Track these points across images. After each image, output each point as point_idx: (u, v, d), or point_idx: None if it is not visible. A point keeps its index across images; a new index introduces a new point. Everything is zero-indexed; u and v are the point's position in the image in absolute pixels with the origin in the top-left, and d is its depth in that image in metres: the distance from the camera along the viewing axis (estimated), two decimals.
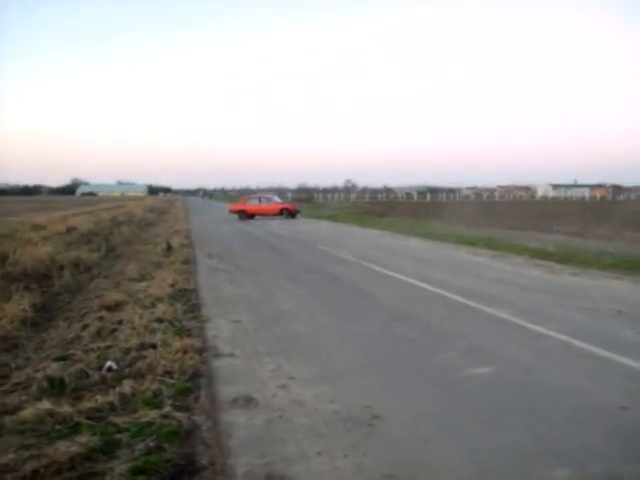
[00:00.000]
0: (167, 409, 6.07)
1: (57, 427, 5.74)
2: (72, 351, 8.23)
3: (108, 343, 8.48)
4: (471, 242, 22.68)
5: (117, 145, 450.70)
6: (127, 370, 7.37)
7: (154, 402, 6.27)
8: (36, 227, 29.38)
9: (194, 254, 19.92)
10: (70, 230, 28.43)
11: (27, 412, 6.01)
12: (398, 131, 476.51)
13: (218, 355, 8.00)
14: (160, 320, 9.73)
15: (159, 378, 7.00)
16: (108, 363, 7.52)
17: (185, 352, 7.86)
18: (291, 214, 43.71)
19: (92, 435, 5.46)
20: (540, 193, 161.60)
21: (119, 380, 6.99)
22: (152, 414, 5.95)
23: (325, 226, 35.87)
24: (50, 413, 6.01)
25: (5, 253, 17.94)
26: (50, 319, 10.95)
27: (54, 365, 7.51)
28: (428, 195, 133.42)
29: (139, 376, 7.14)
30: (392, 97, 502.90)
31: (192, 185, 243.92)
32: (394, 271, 15.06)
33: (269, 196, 49.10)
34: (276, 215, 43.10)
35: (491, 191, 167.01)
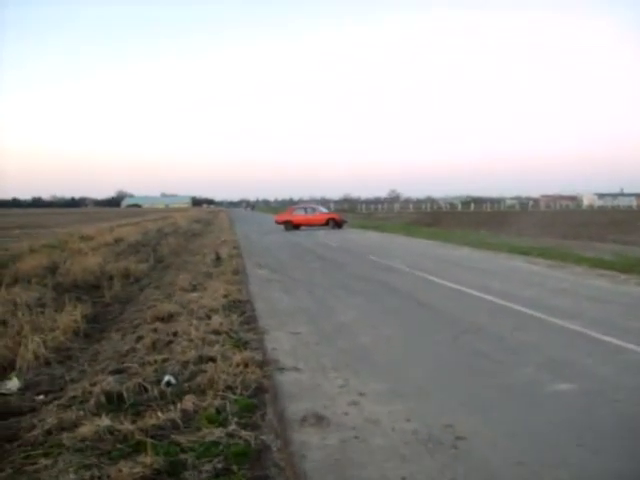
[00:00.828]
0: (232, 427, 5.67)
1: (118, 446, 5.38)
2: (128, 364, 7.91)
3: (164, 356, 8.13)
4: (525, 252, 21.98)
5: (161, 157, 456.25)
6: (187, 385, 7.01)
7: (218, 419, 5.88)
8: (84, 238, 29.47)
9: (243, 264, 19.63)
10: (118, 241, 28.46)
11: (86, 429, 5.67)
12: (441, 141, 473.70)
13: (281, 369, 7.59)
14: (217, 332, 9.38)
15: (221, 393, 6.62)
16: (167, 377, 7.16)
17: (246, 366, 7.47)
18: (337, 224, 43.22)
19: (156, 455, 5.08)
20: (586, 202, 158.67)
21: (179, 395, 6.63)
22: (217, 432, 5.56)
23: (372, 236, 35.37)
24: (110, 430, 5.67)
25: (55, 264, 17.89)
26: (102, 330, 10.71)
27: (110, 379, 7.17)
28: (472, 205, 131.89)
29: (200, 391, 6.77)
30: (435, 107, 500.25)
31: (235, 197, 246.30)
32: (450, 281, 14.53)
33: (314, 206, 48.92)
34: (322, 225, 42.70)
35: (535, 201, 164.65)
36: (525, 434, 5.43)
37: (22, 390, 7.48)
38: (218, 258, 21.05)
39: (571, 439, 5.28)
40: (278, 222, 43.70)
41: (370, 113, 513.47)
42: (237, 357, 7.68)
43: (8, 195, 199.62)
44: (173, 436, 5.54)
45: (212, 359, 7.85)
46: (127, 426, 5.70)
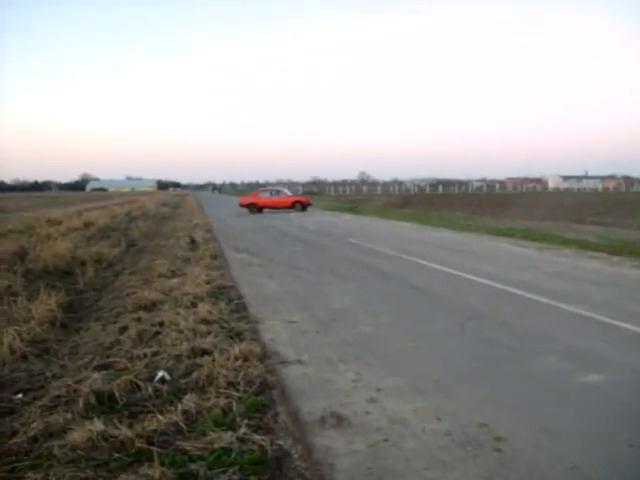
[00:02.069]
0: (243, 430, 5.09)
1: (116, 455, 4.76)
2: (114, 358, 7.26)
3: (154, 349, 7.50)
4: (507, 233, 21.67)
5: (125, 141, 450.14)
6: (183, 381, 6.40)
7: (225, 421, 5.29)
8: (52, 222, 28.49)
9: (221, 248, 18.96)
10: (87, 225, 27.55)
11: (76, 435, 5.04)
12: (407, 125, 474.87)
13: (284, 362, 7.01)
14: (206, 321, 8.77)
15: (223, 391, 6.02)
16: (160, 373, 6.54)
17: (245, 359, 6.86)
18: (303, 207, 42.78)
19: (160, 466, 4.47)
20: (551, 184, 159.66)
21: (177, 394, 6.03)
22: (226, 437, 4.97)
23: (348, 219, 34.81)
24: (104, 436, 5.05)
25: (24, 249, 17.03)
26: (79, 320, 10.02)
27: (96, 375, 6.53)
28: (440, 187, 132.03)
29: (199, 389, 6.17)
30: (401, 90, 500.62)
31: (201, 180, 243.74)
32: (440, 264, 14.06)
33: (280, 189, 48.43)
34: (288, 208, 42.18)
35: (502, 183, 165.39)
36: (568, 432, 4.94)
37: None
38: (193, 242, 20.37)
39: (620, 438, 4.79)
40: (242, 205, 43.08)
41: (339, 95, 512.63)
42: (234, 349, 7.06)
43: None
44: (178, 442, 4.94)
45: (207, 352, 7.26)
46: (124, 431, 5.08)
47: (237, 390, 6.04)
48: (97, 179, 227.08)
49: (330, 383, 6.26)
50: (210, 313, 9.13)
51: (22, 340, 8.18)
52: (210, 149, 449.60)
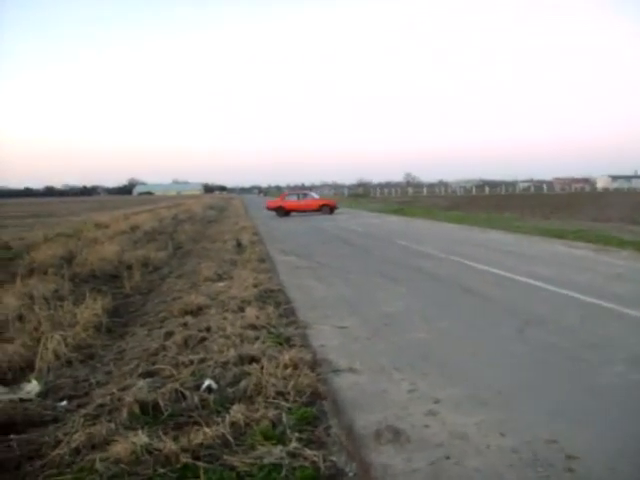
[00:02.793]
0: (294, 445, 4.79)
1: (160, 470, 4.51)
2: (159, 365, 7.02)
3: (200, 355, 7.24)
4: (559, 235, 21.02)
5: (172, 145, 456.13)
6: (230, 390, 6.11)
7: (275, 435, 4.99)
8: (99, 226, 28.64)
9: (267, 251, 18.71)
10: (134, 229, 27.62)
11: (120, 447, 4.79)
12: (452, 126, 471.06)
13: (336, 371, 6.68)
14: (254, 327, 8.49)
15: (272, 401, 5.73)
16: (207, 382, 6.27)
17: (295, 367, 6.56)
18: (331, 210, 42.33)
19: None
20: (600, 184, 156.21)
21: (223, 404, 5.75)
22: (276, 452, 4.67)
23: (395, 220, 34.34)
24: (148, 449, 4.79)
25: (72, 253, 17.04)
26: (125, 325, 9.86)
27: (141, 383, 6.30)
28: (487, 189, 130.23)
29: (247, 399, 5.88)
30: (446, 91, 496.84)
31: (246, 183, 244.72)
32: (493, 267, 13.58)
33: (307, 192, 48.32)
34: (315, 211, 41.73)
35: (549, 183, 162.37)
36: None
37: (42, 395, 6.61)
38: (239, 245, 20.22)
39: None
40: (270, 208, 42.79)
41: (384, 98, 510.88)
42: (284, 357, 6.77)
43: (21, 184, 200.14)
44: (225, 457, 4.66)
45: (254, 359, 6.98)
46: (168, 444, 4.81)
47: (287, 400, 5.75)
48: (144, 183, 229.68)
49: (385, 393, 5.91)
50: (258, 318, 8.85)
51: (67, 345, 8.04)
52: (256, 153, 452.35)
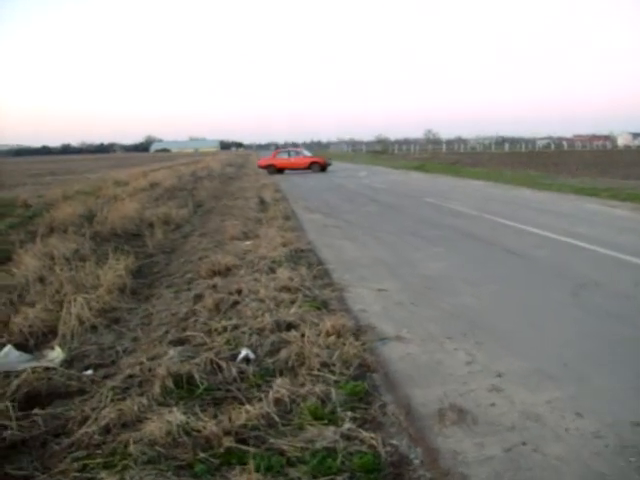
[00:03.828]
0: (347, 425, 4.30)
1: (201, 455, 4.01)
2: (190, 332, 6.54)
3: (233, 321, 6.75)
4: (593, 193, 20.30)
5: (188, 101, 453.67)
6: (270, 361, 5.62)
7: (324, 413, 4.49)
8: (118, 183, 28.17)
9: (292, 209, 18.16)
10: (153, 186, 27.15)
11: (154, 426, 4.31)
12: (469, 82, 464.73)
13: (383, 339, 6.16)
14: (287, 289, 7.99)
15: (317, 373, 5.23)
16: (243, 351, 5.78)
17: (338, 335, 6.05)
18: (322, 167, 41.76)
19: (256, 471, 3.70)
20: (621, 142, 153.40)
21: (263, 376, 5.26)
22: (328, 434, 4.18)
23: (418, 177, 33.64)
24: (185, 430, 4.30)
25: (92, 211, 16.56)
26: (150, 286, 9.39)
27: (172, 352, 5.82)
28: (507, 146, 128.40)
29: (289, 370, 5.39)
30: (465, 48, 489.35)
31: (263, 140, 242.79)
32: (530, 225, 12.96)
33: (298, 150, 47.60)
34: (305, 169, 41.20)
35: (569, 141, 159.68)
36: None
37: (66, 363, 6.14)
38: (262, 202, 19.73)
39: None
40: (261, 166, 42.53)
41: (400, 54, 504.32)
42: (325, 323, 6.26)
43: (38, 143, 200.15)
44: (272, 440, 4.15)
45: (292, 325, 6.48)
46: (208, 424, 4.33)
47: (332, 373, 5.25)
48: (160, 140, 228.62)
49: (440, 366, 5.39)
50: (291, 280, 8.34)
51: (91, 309, 7.57)
52: (273, 109, 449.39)
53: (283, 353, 5.68)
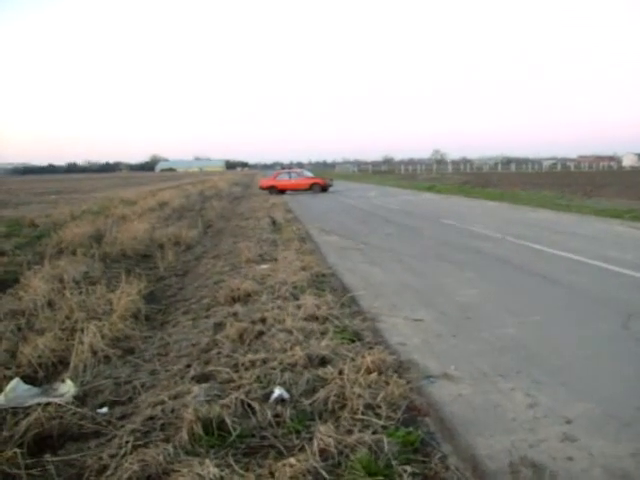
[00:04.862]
0: None
1: None
2: (214, 366, 5.99)
3: (261, 355, 6.20)
4: (614, 214, 19.79)
5: (193, 121, 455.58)
6: (306, 402, 5.06)
7: (378, 468, 3.94)
8: (126, 203, 27.70)
9: (306, 230, 17.61)
10: (161, 205, 26.69)
11: None
12: (473, 103, 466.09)
13: (429, 377, 5.58)
14: (315, 318, 7.47)
15: (361, 417, 4.66)
16: (277, 391, 5.23)
17: (379, 372, 5.48)
18: (322, 188, 41.43)
19: None
20: (627, 162, 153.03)
21: (302, 421, 4.68)
22: None
23: (431, 198, 33.06)
24: None
25: (100, 231, 16.05)
26: (164, 312, 8.83)
27: (196, 389, 5.27)
28: (513, 166, 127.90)
29: (330, 414, 4.82)
30: (470, 70, 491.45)
31: (268, 160, 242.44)
32: (559, 249, 12.40)
33: (299, 170, 47.19)
34: (306, 190, 40.85)
35: (575, 161, 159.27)
36: None
37: (79, 399, 5.59)
38: (274, 223, 19.23)
39: None
40: (262, 187, 42.20)
41: (407, 76, 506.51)
42: (364, 359, 5.70)
43: (44, 161, 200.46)
44: None
45: (326, 360, 5.94)
46: None
47: (378, 416, 4.69)
48: (166, 160, 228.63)
49: (500, 409, 4.82)
50: (318, 308, 7.81)
51: (103, 337, 7.05)
52: (278, 129, 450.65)
53: (321, 393, 5.13)
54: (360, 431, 4.38)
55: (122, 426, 4.82)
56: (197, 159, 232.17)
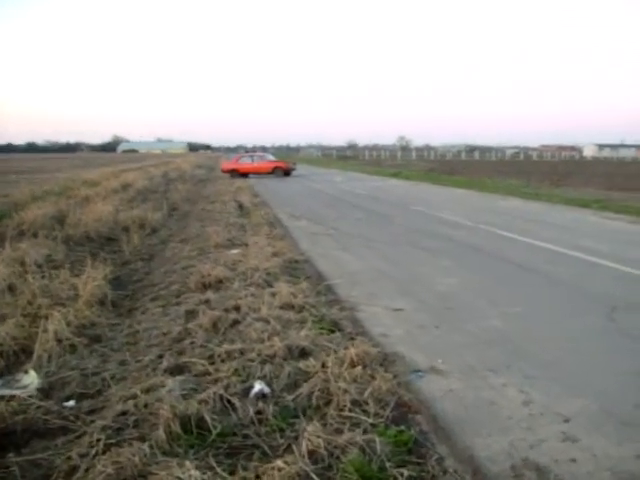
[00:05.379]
0: None
1: None
2: (188, 357, 5.68)
3: (238, 345, 5.90)
4: (582, 204, 19.84)
5: (156, 102, 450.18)
6: (289, 398, 4.77)
7: (371, 470, 3.67)
8: (89, 184, 27.03)
9: (274, 215, 17.28)
10: (125, 187, 26.08)
11: None
12: (437, 91, 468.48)
13: (417, 371, 5.34)
14: (291, 306, 7.19)
15: (348, 414, 4.40)
16: (257, 385, 4.94)
17: (364, 365, 5.23)
18: (285, 172, 40.98)
19: None
20: (588, 153, 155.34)
21: (285, 418, 4.40)
22: None
23: (398, 184, 32.86)
24: None
25: (63, 213, 15.51)
26: (132, 298, 8.46)
27: (170, 383, 4.95)
28: (477, 154, 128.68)
29: (315, 410, 4.55)
30: (437, 56, 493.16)
31: (231, 142, 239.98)
32: (533, 238, 12.29)
33: (262, 154, 46.79)
34: (269, 174, 40.27)
35: (537, 151, 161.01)
36: None
37: (43, 391, 5.24)
38: (241, 207, 18.90)
39: None
40: (224, 170, 41.39)
41: (372, 62, 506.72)
42: (349, 351, 5.43)
43: (3, 140, 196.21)
44: None
45: (306, 352, 5.66)
46: None
47: (366, 413, 4.43)
48: (128, 141, 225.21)
49: (494, 406, 4.59)
50: (294, 296, 7.52)
51: (69, 324, 6.65)
52: (242, 112, 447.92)
53: (305, 388, 4.86)
54: (350, 430, 4.12)
55: (92, 422, 4.47)
56: (160, 140, 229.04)
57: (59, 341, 6.29)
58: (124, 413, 4.57)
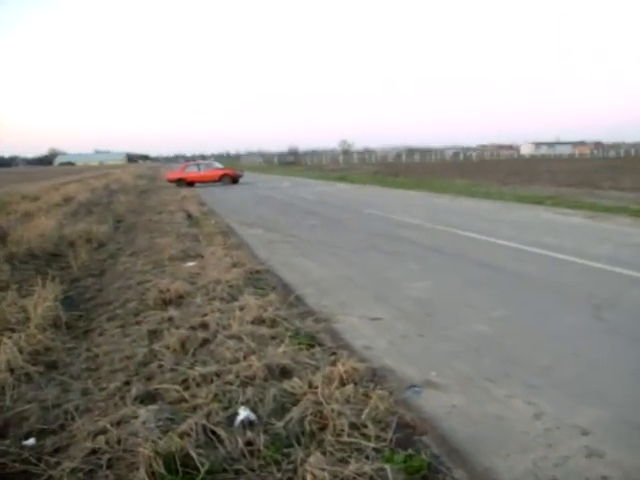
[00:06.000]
0: None
1: None
2: (158, 383, 5.19)
3: (212, 367, 5.44)
4: (535, 201, 19.87)
5: (93, 113, 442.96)
6: (279, 424, 4.33)
7: None
8: (28, 198, 26.06)
9: (226, 223, 16.78)
10: (67, 200, 25.21)
11: None
12: (375, 96, 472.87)
13: (412, 387, 4.96)
14: (262, 321, 6.75)
15: (348, 440, 4.00)
16: (242, 412, 4.48)
17: (355, 383, 4.83)
18: (233, 180, 40.40)
19: None
20: (525, 151, 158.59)
21: (279, 448, 3.98)
22: None
23: (346, 188, 32.54)
24: None
25: (3, 229, 14.73)
26: (86, 318, 7.90)
27: (143, 413, 4.47)
28: (417, 156, 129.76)
29: (309, 437, 4.13)
30: (374, 60, 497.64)
31: (170, 152, 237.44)
32: (494, 237, 12.11)
33: (208, 162, 46.40)
34: (216, 182, 39.56)
35: (477, 150, 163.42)
36: None
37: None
38: (190, 217, 18.36)
39: None
40: (170, 180, 40.38)
41: (308, 68, 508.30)
42: (335, 369, 5.02)
43: None
44: None
45: (287, 371, 5.23)
46: None
47: (366, 437, 4.03)
48: (64, 153, 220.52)
49: (504, 422, 4.24)
50: (264, 309, 7.07)
51: (21, 352, 6.08)
52: (179, 121, 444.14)
53: (295, 412, 4.43)
54: (355, 459, 3.71)
55: (57, 463, 3.96)
56: (97, 152, 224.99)
57: (12, 371, 5.72)
58: (95, 452, 4.07)
